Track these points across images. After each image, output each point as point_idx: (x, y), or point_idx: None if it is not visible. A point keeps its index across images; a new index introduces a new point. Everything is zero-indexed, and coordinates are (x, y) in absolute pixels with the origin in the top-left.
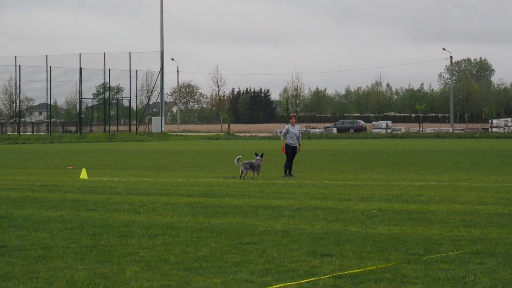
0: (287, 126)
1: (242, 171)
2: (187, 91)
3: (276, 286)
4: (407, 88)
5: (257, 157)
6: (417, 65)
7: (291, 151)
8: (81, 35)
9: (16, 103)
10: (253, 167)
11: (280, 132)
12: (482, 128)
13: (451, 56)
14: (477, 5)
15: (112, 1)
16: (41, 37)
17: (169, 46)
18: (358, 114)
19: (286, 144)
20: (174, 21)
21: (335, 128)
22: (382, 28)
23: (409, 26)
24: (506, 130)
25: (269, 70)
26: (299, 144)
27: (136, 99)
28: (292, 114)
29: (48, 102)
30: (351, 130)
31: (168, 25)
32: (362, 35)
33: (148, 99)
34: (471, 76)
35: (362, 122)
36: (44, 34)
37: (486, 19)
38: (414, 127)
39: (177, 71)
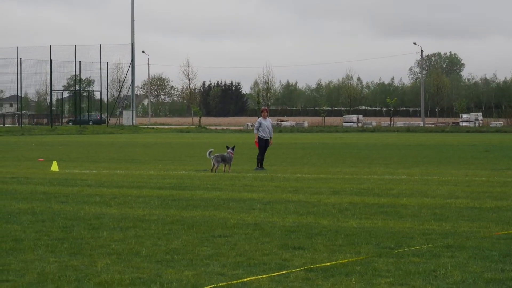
0: (259, 119)
1: (214, 164)
2: (158, 84)
3: (248, 279)
4: (378, 82)
5: (229, 150)
6: (387, 59)
7: (263, 144)
8: (50, 27)
9: None
10: (224, 160)
11: (252, 126)
12: (453, 123)
13: (421, 51)
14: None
15: None
16: (10, 29)
17: (140, 39)
18: (329, 108)
19: (258, 137)
20: (145, 13)
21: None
22: (352, 22)
23: (380, 20)
24: (476, 125)
25: (240, 63)
26: (271, 137)
27: (107, 91)
28: (264, 108)
29: (19, 94)
30: (90, 123)
31: (139, 18)
32: (333, 29)
33: (119, 92)
34: (441, 70)
35: (100, 115)
36: (13, 26)
37: (456, 14)
38: (385, 121)
39: (148, 63)
